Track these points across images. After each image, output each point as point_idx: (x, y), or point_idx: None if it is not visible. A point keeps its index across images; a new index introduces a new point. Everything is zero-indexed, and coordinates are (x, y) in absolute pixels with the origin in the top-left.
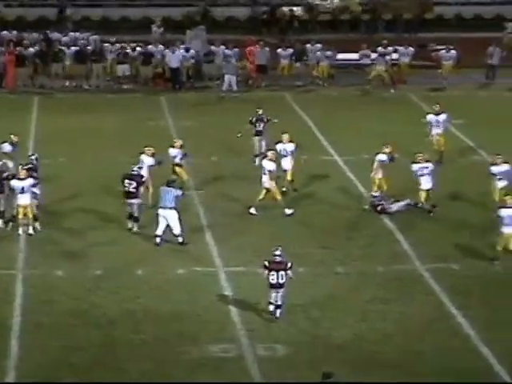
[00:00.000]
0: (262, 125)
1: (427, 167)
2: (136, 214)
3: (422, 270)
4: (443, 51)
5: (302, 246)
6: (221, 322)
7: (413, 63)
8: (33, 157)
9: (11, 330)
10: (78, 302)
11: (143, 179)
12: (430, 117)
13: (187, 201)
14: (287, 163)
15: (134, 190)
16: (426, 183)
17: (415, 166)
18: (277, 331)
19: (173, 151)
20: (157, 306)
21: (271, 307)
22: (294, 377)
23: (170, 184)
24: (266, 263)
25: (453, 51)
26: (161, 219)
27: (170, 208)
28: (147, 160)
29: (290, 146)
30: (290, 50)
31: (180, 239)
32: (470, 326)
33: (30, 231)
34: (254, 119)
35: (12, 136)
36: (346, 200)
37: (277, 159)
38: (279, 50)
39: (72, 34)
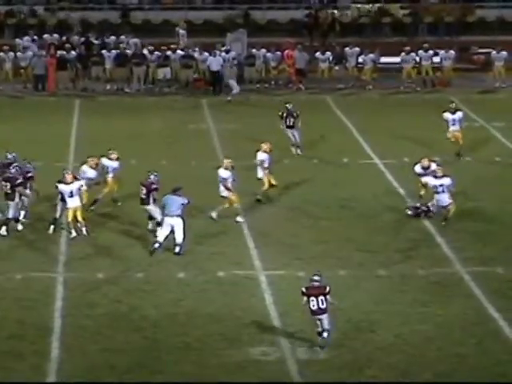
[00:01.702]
0: (292, 120)
1: (442, 185)
2: (158, 220)
3: (462, 273)
4: (494, 52)
5: (342, 249)
6: (261, 324)
7: (455, 66)
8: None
9: (52, 332)
10: (119, 305)
11: (154, 186)
12: (447, 115)
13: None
14: (260, 172)
15: (144, 197)
16: (442, 200)
17: (431, 181)
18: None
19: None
20: (197, 308)
21: (319, 338)
22: (334, 379)
23: (175, 192)
24: (304, 289)
25: (503, 52)
26: (166, 226)
27: (177, 216)
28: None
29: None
30: (328, 54)
31: (177, 249)
32: (511, 330)
33: (84, 232)
34: (285, 114)
35: (110, 151)
36: (385, 204)
37: (233, 168)
38: (317, 54)
39: (112, 37)
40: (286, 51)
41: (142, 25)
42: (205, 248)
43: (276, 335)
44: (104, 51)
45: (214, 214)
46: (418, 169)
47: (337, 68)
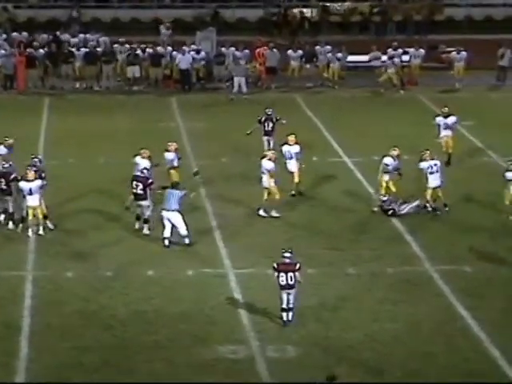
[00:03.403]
0: (270, 124)
1: (436, 164)
2: (145, 216)
3: (431, 272)
4: (454, 53)
5: (311, 248)
6: (231, 323)
7: (423, 65)
8: (36, 159)
9: (21, 330)
10: (88, 303)
11: (150, 181)
12: (439, 119)
13: (195, 202)
14: (293, 165)
15: (141, 192)
16: (434, 181)
17: (423, 164)
18: (287, 333)
19: (169, 155)
20: (167, 307)
21: (283, 314)
22: (305, 378)
23: (174, 186)
24: (275, 265)
25: (463, 53)
26: (165, 221)
27: (173, 210)
28: (143, 162)
29: (295, 148)
30: (300, 52)
31: (187, 240)
32: (479, 328)
33: (41, 232)
34: (263, 118)
35: (6, 138)
36: (355, 202)
37: (276, 159)
38: (289, 52)
39: (81, 35)
40: (258, 49)
41: (110, 23)
42: (174, 246)
43: (245, 333)
44: (73, 49)
45: (261, 212)
46: (387, 160)
47: (307, 66)
